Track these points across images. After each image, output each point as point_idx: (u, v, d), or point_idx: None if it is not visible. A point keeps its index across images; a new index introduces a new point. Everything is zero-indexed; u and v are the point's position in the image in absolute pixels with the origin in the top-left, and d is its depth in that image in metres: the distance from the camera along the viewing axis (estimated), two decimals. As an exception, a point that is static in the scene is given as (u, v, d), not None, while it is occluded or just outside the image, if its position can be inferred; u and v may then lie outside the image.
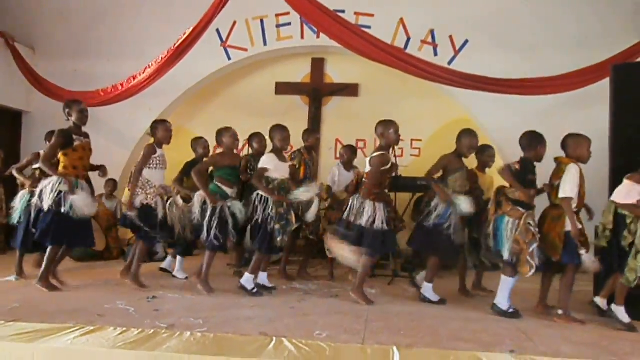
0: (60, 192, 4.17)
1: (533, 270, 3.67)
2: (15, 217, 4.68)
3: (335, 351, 2.82)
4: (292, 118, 7.32)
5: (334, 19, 5.64)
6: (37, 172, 4.95)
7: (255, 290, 4.28)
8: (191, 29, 5.58)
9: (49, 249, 4.30)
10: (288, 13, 6.97)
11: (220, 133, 4.55)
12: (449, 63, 6.71)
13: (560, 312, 3.73)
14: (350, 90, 7.48)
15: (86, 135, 4.50)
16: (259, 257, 4.32)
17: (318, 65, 7.58)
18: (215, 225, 4.24)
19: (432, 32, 6.97)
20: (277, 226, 4.19)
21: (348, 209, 4.22)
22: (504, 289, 3.85)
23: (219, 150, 4.75)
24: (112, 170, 7.24)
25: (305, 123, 7.48)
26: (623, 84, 4.10)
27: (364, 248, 4.06)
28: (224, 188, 4.40)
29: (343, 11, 6.41)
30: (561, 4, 6.67)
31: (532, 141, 3.90)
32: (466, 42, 6.87)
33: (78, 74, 7.35)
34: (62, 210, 4.15)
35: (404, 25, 7.00)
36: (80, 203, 4.21)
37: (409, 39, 6.97)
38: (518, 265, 3.72)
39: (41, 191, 4.22)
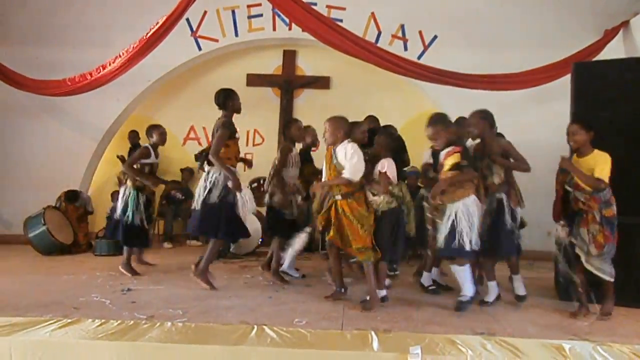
0: (226, 186, 4.12)
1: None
2: (125, 212, 4.67)
3: (316, 337, 2.88)
4: (263, 110, 7.35)
5: (306, 11, 5.65)
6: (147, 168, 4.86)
7: (432, 287, 4.34)
8: (164, 18, 5.45)
9: (213, 242, 4.18)
10: (260, 4, 6.95)
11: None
12: (419, 58, 6.86)
13: None
14: (321, 82, 7.53)
15: None
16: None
17: (290, 57, 7.59)
18: None
19: (402, 26, 7.11)
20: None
21: None
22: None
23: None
24: (78, 162, 7.14)
25: (276, 115, 7.50)
26: (583, 81, 4.33)
27: None
28: None
29: (315, 4, 6.43)
30: (524, 4, 6.92)
31: None
32: (435, 37, 7.04)
33: (40, 62, 7.08)
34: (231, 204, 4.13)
35: (375, 19, 7.10)
36: (248, 198, 4.25)
37: (379, 33, 7.07)
38: None
39: (211, 185, 4.12)
